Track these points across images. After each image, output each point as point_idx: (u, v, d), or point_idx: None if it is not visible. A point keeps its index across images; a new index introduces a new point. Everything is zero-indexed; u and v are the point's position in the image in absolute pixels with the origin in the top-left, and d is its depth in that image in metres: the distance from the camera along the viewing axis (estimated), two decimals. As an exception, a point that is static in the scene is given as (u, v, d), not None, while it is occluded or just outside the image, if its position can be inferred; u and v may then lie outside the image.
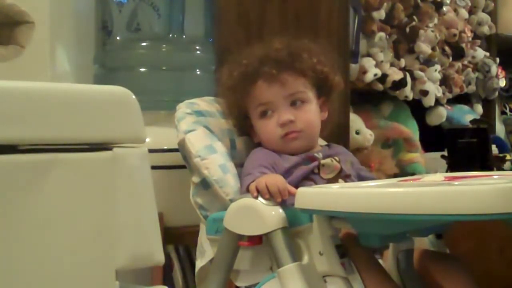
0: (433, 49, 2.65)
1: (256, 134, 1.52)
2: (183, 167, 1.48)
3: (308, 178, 1.43)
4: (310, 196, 1.15)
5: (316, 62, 1.50)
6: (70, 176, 1.04)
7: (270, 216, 1.24)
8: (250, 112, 1.50)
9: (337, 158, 1.46)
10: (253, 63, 1.48)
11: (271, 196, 1.27)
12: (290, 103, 1.47)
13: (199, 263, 1.46)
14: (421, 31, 2.58)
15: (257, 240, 1.26)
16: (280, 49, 1.49)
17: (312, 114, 1.49)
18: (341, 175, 1.45)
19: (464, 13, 2.99)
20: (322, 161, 1.45)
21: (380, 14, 2.33)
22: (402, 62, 2.51)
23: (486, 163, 2.45)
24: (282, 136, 1.46)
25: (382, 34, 2.35)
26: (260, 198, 1.27)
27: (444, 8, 2.85)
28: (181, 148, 1.46)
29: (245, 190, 1.34)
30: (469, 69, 3.02)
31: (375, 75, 2.34)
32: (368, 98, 2.47)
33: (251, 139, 1.55)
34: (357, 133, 2.30)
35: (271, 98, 1.47)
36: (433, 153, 2.68)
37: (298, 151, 1.46)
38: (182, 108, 1.50)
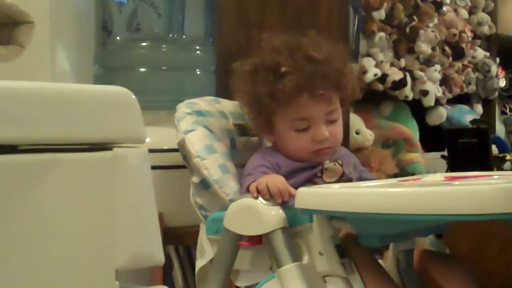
0: (433, 49, 2.66)
1: (274, 137, 1.48)
2: (183, 167, 1.48)
3: (311, 181, 1.42)
4: (310, 196, 1.15)
5: (352, 78, 1.49)
6: (70, 176, 1.04)
7: (270, 216, 1.24)
8: (280, 119, 1.44)
9: (340, 162, 1.46)
10: (295, 72, 1.39)
11: (271, 196, 1.27)
12: (326, 119, 1.44)
13: (199, 263, 1.46)
14: (421, 31, 2.58)
15: (257, 240, 1.26)
16: (325, 62, 1.42)
17: (341, 129, 1.48)
18: (343, 179, 1.44)
19: (464, 13, 3.00)
20: (326, 165, 1.44)
21: (380, 14, 2.33)
22: (402, 62, 2.52)
23: (486, 163, 2.45)
24: (312, 152, 1.44)
25: (382, 34, 2.36)
26: (260, 198, 1.27)
27: (444, 8, 2.85)
28: (181, 148, 1.46)
29: (246, 190, 1.34)
30: (469, 69, 3.02)
31: (375, 75, 2.34)
32: (368, 98, 2.47)
33: (265, 138, 1.52)
34: (357, 133, 2.30)
35: (313, 114, 1.42)
36: (433, 153, 2.69)
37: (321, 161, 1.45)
38: (182, 108, 1.50)
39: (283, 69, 1.41)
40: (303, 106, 1.41)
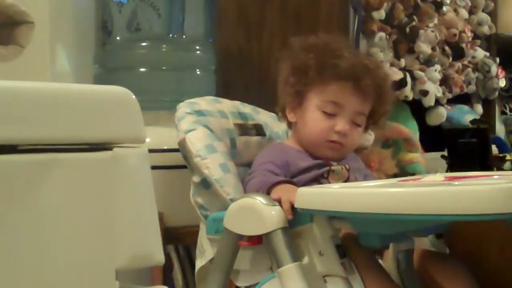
0: (433, 49, 2.65)
1: (296, 116, 1.50)
2: (183, 167, 1.48)
3: (317, 181, 1.43)
4: (310, 196, 1.14)
5: (389, 100, 1.53)
6: (70, 176, 1.04)
7: (270, 216, 1.24)
8: (314, 96, 1.46)
9: (347, 166, 1.47)
10: (351, 60, 1.45)
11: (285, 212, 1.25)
12: (353, 118, 1.46)
13: (199, 263, 1.46)
14: (421, 31, 2.58)
15: (257, 240, 1.25)
16: (377, 68, 1.50)
17: (358, 138, 1.50)
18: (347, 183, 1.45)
19: (464, 13, 2.99)
20: (333, 167, 1.45)
21: (380, 14, 2.33)
22: (402, 62, 2.51)
23: (486, 163, 2.45)
24: (326, 141, 1.45)
25: (382, 34, 2.35)
26: (260, 198, 1.27)
27: (444, 8, 2.85)
28: (182, 148, 1.46)
29: (255, 189, 1.34)
30: (469, 69, 3.02)
31: (375, 75, 2.33)
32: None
33: (286, 114, 1.52)
34: (357, 133, 2.29)
35: (347, 104, 1.44)
36: (433, 153, 2.68)
37: (324, 158, 1.46)
38: (183, 107, 1.50)
39: (341, 53, 1.45)
40: (343, 91, 1.44)
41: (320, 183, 1.42)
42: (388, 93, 1.53)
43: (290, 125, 1.55)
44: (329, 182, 1.43)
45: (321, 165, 1.45)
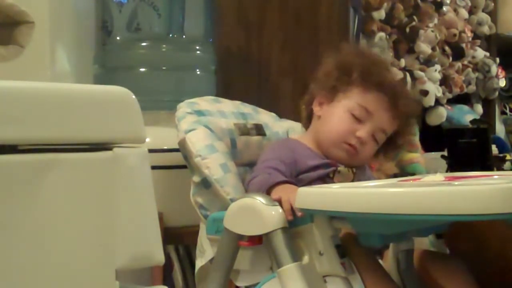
0: (433, 49, 2.66)
1: (322, 110, 1.50)
2: (183, 167, 1.48)
3: (322, 180, 1.43)
4: (310, 196, 1.14)
5: (411, 132, 1.58)
6: (70, 176, 1.04)
7: (270, 216, 1.24)
8: (348, 97, 1.47)
9: (353, 169, 1.47)
10: (399, 80, 1.54)
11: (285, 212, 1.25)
12: (374, 133, 1.46)
13: (199, 263, 1.46)
14: (421, 31, 2.58)
15: (257, 240, 1.25)
16: (412, 98, 1.58)
17: (371, 153, 1.50)
18: None
19: (464, 13, 3.00)
20: (339, 168, 1.46)
21: (380, 14, 2.33)
22: (402, 62, 2.52)
23: (486, 163, 2.45)
24: (344, 142, 1.45)
25: (382, 34, 2.36)
26: (260, 198, 1.27)
27: (444, 8, 2.85)
28: (182, 148, 1.46)
29: (256, 189, 1.34)
30: (469, 69, 3.02)
31: (375, 75, 2.33)
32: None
33: (313, 107, 1.52)
34: (357, 133, 2.29)
35: (377, 115, 1.45)
36: (433, 153, 2.69)
37: (333, 159, 1.47)
38: (183, 107, 1.50)
39: (387, 67, 1.52)
40: (378, 102, 1.45)
41: (326, 182, 1.42)
42: (413, 124, 1.57)
43: (308, 119, 1.55)
44: (334, 183, 1.43)
45: (328, 165, 1.45)
